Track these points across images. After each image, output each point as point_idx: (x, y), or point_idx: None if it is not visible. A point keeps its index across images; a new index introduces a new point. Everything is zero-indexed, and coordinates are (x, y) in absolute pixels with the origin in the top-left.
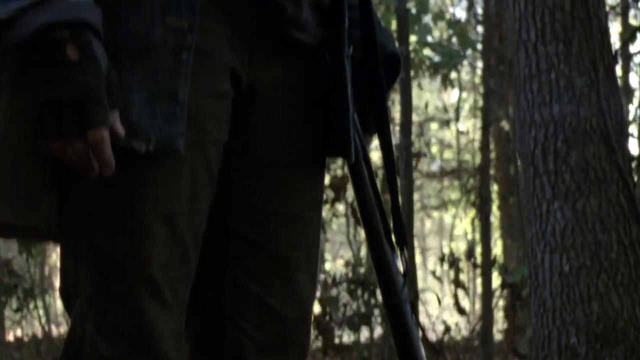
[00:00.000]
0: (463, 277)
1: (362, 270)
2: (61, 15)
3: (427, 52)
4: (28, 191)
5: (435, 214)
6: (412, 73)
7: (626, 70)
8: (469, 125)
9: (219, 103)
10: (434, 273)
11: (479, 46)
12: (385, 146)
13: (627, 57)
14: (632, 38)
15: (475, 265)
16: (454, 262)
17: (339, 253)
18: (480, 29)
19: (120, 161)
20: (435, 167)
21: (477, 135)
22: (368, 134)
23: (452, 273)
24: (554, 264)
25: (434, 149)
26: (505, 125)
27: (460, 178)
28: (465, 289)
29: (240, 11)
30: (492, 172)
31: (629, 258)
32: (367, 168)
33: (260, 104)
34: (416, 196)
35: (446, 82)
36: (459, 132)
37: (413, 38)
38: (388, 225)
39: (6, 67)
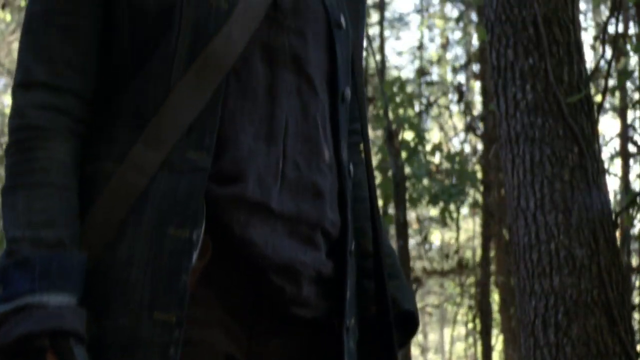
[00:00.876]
0: None
1: None
2: (41, 324)
3: (425, 182)
4: None
5: (435, 301)
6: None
7: (626, 171)
8: (469, 222)
9: None
10: None
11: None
12: None
13: (627, 155)
14: (632, 204)
15: None
16: None
17: None
18: (479, 145)
19: None
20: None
21: (477, 227)
22: None
23: None
24: None
25: (434, 234)
26: (505, 234)
27: (460, 276)
28: None
29: (236, 296)
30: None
31: None
32: None
33: None
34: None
35: (445, 215)
36: (458, 232)
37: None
38: None
39: None
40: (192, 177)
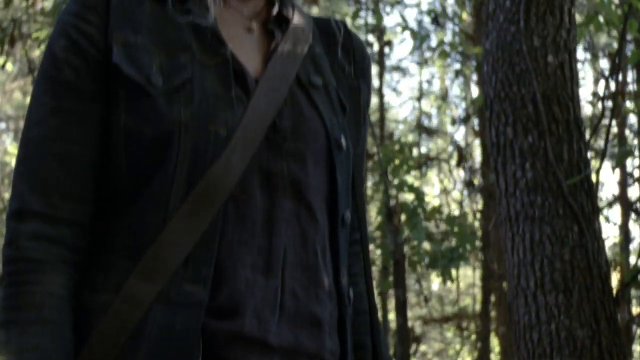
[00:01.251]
0: None
1: None
2: None
3: (425, 244)
4: None
5: (436, 346)
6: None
7: (626, 220)
8: (469, 271)
9: None
10: None
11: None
12: None
13: (627, 203)
14: (634, 281)
15: None
16: None
17: None
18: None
19: None
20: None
21: (477, 279)
22: None
23: None
24: None
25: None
26: (505, 286)
27: (460, 324)
28: None
29: None
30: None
31: None
32: None
33: None
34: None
35: (445, 276)
36: (458, 287)
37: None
38: None
39: None
40: (188, 312)
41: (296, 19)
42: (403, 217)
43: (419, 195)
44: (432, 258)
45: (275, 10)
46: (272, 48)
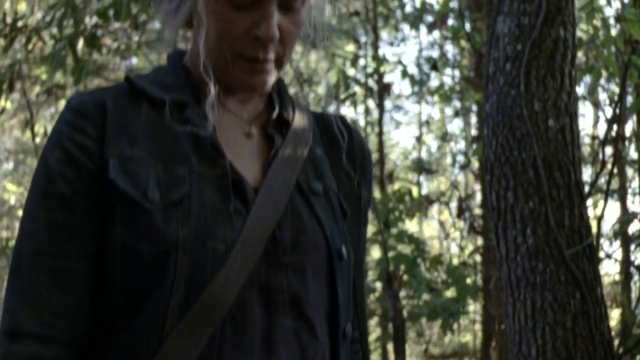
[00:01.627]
0: None
1: None
2: None
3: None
4: None
5: None
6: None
7: (626, 257)
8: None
9: None
10: None
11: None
12: None
13: (627, 240)
14: (637, 346)
15: None
16: None
17: None
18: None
19: None
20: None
21: (478, 315)
22: None
23: None
24: None
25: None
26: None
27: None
28: None
29: None
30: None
31: None
32: None
33: None
34: None
35: (445, 329)
36: (459, 327)
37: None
38: None
39: None
40: None
41: (297, 120)
42: (402, 267)
43: (419, 245)
44: (433, 311)
45: (275, 113)
46: (271, 155)
